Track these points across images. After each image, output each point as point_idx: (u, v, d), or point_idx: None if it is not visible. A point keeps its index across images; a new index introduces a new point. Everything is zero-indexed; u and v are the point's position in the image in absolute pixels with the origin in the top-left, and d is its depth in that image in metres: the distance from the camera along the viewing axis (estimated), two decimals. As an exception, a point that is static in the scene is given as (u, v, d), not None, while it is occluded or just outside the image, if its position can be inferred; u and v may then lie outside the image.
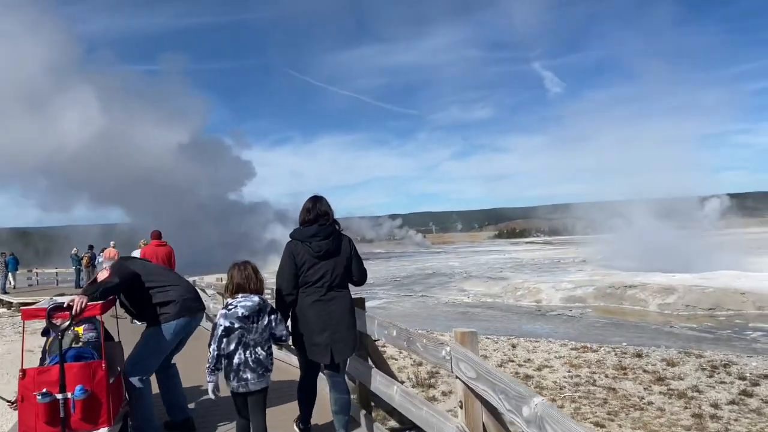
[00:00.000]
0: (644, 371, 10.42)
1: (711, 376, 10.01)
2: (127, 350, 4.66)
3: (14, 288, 27.66)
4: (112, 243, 20.57)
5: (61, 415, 3.74)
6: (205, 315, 11.87)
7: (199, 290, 12.25)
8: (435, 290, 29.90)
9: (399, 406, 4.33)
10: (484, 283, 29.77)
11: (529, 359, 11.67)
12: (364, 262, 4.71)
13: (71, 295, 4.55)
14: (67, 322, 3.97)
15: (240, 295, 4.01)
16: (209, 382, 3.88)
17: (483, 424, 3.38)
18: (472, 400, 3.40)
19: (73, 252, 27.25)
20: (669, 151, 63.42)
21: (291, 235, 4.42)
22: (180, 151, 69.24)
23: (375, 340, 5.13)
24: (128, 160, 62.89)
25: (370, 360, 5.14)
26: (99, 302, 4.06)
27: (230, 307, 3.95)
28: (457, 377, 3.43)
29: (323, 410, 4.81)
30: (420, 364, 10.55)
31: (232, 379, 3.89)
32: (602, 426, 7.69)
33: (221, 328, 3.87)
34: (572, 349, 12.60)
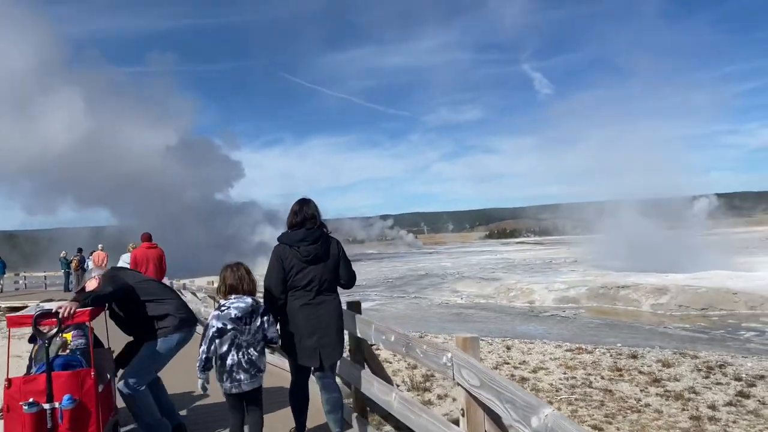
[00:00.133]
0: (640, 372, 10.37)
1: (707, 377, 9.97)
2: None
3: (1, 291, 27.34)
4: (100, 246, 20.38)
5: (49, 425, 3.62)
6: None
7: (189, 293, 12.17)
8: (428, 291, 29.82)
9: (397, 413, 4.22)
10: (476, 284, 29.70)
11: (524, 361, 11.60)
12: (353, 264, 4.66)
13: (59, 299, 4.43)
14: (54, 330, 3.86)
15: (233, 297, 3.98)
16: (199, 378, 3.87)
17: (486, 433, 3.28)
18: (475, 408, 3.29)
19: (61, 255, 26.91)
20: (657, 151, 63.76)
21: (279, 239, 4.37)
22: (167, 152, 68.84)
23: (371, 345, 5.03)
24: (115, 161, 62.54)
25: (366, 366, 5.05)
26: (88, 308, 3.95)
27: (223, 308, 3.92)
28: (458, 384, 3.34)
29: (318, 413, 4.73)
30: (415, 367, 10.45)
31: (225, 380, 3.87)
32: (600, 429, 7.61)
33: (213, 329, 3.85)
34: (567, 350, 12.54)
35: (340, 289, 4.60)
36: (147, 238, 11.12)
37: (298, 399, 4.50)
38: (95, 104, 66.31)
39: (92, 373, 3.84)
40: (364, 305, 5.31)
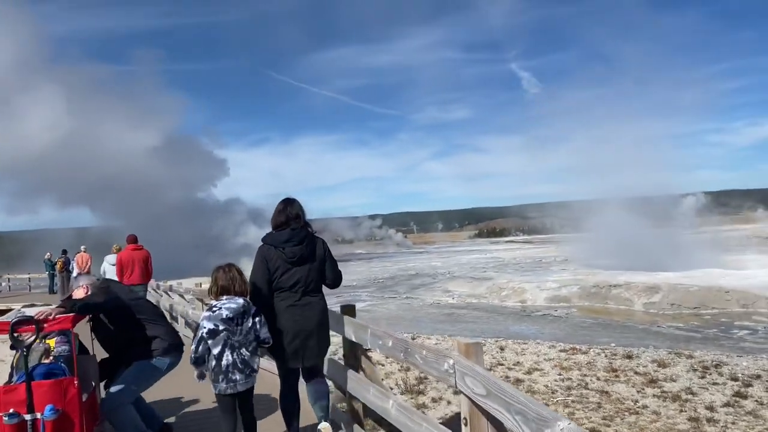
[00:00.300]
0: (636, 373, 10.25)
1: (703, 377, 9.87)
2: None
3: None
4: (82, 247, 20.18)
5: (30, 437, 3.42)
6: (185, 321, 11.54)
7: (177, 295, 11.94)
8: (419, 291, 29.69)
9: (395, 421, 4.08)
10: (468, 284, 29.61)
11: (518, 362, 11.46)
12: (342, 264, 4.65)
13: (43, 303, 4.34)
14: (32, 337, 3.72)
15: (224, 297, 3.98)
16: (195, 371, 3.95)
17: (490, 443, 3.11)
18: (478, 417, 3.13)
19: (46, 257, 26.54)
20: (645, 149, 64.02)
21: (263, 240, 4.32)
22: (151, 151, 68.24)
23: (366, 350, 4.88)
24: (98, 160, 62.05)
25: (362, 371, 4.88)
26: (70, 314, 3.80)
27: (214, 309, 3.92)
28: (461, 392, 3.17)
29: (309, 414, 4.67)
30: (408, 369, 10.27)
31: (221, 381, 3.88)
32: (595, 430, 7.47)
33: (204, 330, 3.85)
34: (561, 350, 12.41)
35: (329, 290, 4.58)
36: (132, 240, 10.92)
37: (289, 403, 4.43)
38: (78, 103, 65.84)
39: (75, 382, 3.69)
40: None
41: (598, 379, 9.97)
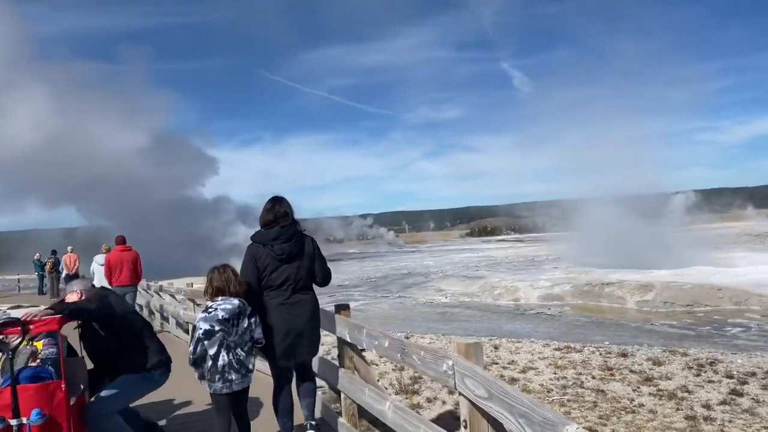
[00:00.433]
0: (631, 371, 10.21)
1: (698, 375, 9.84)
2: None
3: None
4: (69, 248, 20.02)
5: (17, 442, 3.33)
6: (176, 322, 11.40)
7: (168, 295, 11.79)
8: (412, 290, 29.61)
9: (392, 423, 3.98)
10: (461, 283, 29.56)
11: (512, 361, 11.39)
12: (335, 263, 4.58)
13: (30, 305, 4.24)
14: (18, 339, 3.63)
15: (219, 298, 3.98)
16: (195, 372, 3.98)
17: (491, 446, 3.02)
18: (479, 419, 3.04)
19: (35, 257, 26.28)
20: (635, 148, 64.13)
21: (252, 238, 4.32)
22: (140, 149, 67.74)
23: (361, 350, 4.79)
24: (86, 159, 61.50)
25: (356, 372, 4.79)
26: (57, 316, 3.71)
27: (210, 310, 3.92)
28: (460, 394, 3.08)
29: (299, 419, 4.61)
30: (402, 369, 10.18)
31: (217, 380, 3.89)
32: (596, 431, 7.41)
33: (201, 331, 3.87)
34: (555, 349, 12.37)
35: (320, 289, 4.58)
36: (121, 241, 10.78)
37: (282, 402, 4.40)
38: (66, 101, 65.37)
39: (63, 386, 3.60)
40: (347, 306, 5.11)
41: (593, 377, 9.92)
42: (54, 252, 23.54)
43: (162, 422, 5.39)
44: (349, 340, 4.64)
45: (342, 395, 4.93)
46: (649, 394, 8.87)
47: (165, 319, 12.13)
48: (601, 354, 11.70)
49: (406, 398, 8.76)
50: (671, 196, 60.31)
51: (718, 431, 7.30)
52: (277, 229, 4.26)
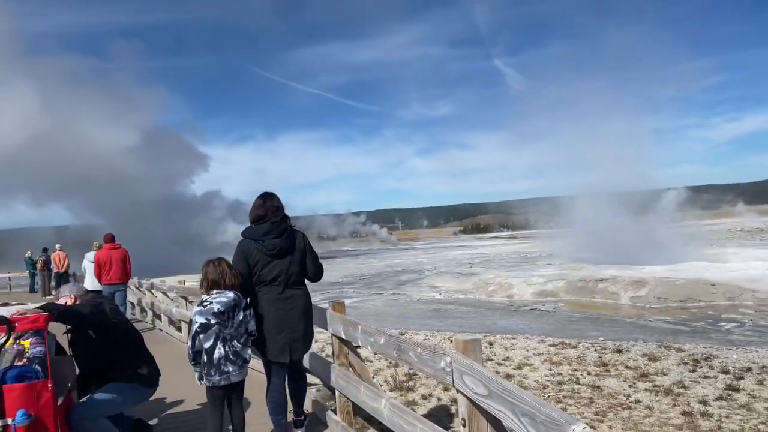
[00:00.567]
0: (626, 367, 10.16)
1: (694, 371, 9.80)
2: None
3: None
4: (58, 246, 19.81)
5: (2, 443, 3.27)
6: (168, 319, 11.27)
7: (160, 293, 11.65)
8: (406, 287, 29.51)
9: (389, 422, 3.90)
10: (454, 279, 29.51)
11: (507, 357, 11.33)
12: (328, 260, 4.53)
13: (17, 303, 4.17)
14: (4, 338, 3.53)
15: (215, 292, 3.99)
16: (195, 372, 4.01)
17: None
18: (477, 417, 2.97)
19: (27, 255, 26.06)
20: (627, 145, 64.22)
21: (243, 234, 4.32)
22: (130, 146, 66.96)
23: (356, 347, 4.70)
24: (75, 156, 60.79)
25: (351, 369, 4.69)
26: (44, 314, 3.61)
27: (205, 303, 3.93)
28: (459, 392, 3.00)
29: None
30: (397, 365, 10.09)
31: (213, 373, 3.90)
32: (593, 428, 7.31)
33: (197, 324, 3.88)
34: (550, 345, 12.32)
35: (313, 286, 4.58)
36: (110, 239, 10.65)
37: (276, 398, 4.37)
38: (55, 98, 64.47)
39: (50, 385, 3.50)
40: (340, 302, 5.02)
41: (589, 373, 9.87)
42: (45, 250, 23.39)
43: (153, 421, 5.32)
44: (344, 337, 4.57)
45: (337, 393, 4.86)
46: (645, 389, 8.83)
47: (157, 316, 11.99)
48: (596, 350, 11.66)
49: (401, 395, 8.68)
50: (663, 193, 60.43)
51: (715, 427, 7.25)
52: (268, 225, 4.24)
